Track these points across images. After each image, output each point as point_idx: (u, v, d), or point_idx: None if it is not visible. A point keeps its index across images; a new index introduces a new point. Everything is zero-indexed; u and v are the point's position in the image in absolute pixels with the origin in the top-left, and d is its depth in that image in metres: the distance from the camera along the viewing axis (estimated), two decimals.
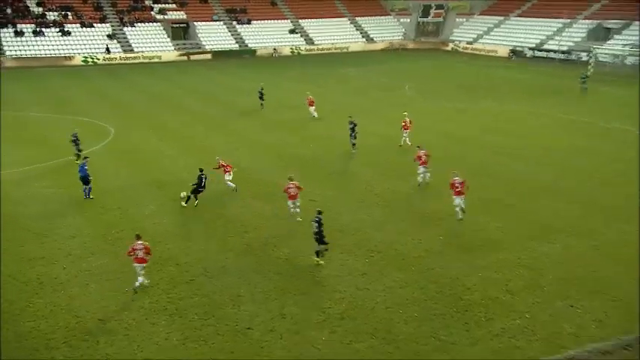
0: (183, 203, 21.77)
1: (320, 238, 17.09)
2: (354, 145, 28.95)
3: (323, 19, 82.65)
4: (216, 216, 20.97)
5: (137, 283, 15.74)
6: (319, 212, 17.23)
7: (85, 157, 23.45)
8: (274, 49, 74.30)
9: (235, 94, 46.21)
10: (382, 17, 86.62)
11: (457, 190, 19.98)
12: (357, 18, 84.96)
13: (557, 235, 19.19)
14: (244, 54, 73.03)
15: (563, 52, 65.04)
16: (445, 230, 19.66)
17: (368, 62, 67.75)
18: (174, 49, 71.26)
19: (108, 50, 66.19)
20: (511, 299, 15.45)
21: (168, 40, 71.95)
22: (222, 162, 23.57)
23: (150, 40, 70.54)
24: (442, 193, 23.02)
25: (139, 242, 15.73)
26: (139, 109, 40.12)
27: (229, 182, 23.30)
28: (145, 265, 15.78)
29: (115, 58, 66.52)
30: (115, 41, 68.79)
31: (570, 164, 26.87)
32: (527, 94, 45.36)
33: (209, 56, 71.30)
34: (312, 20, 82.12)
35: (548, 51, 67.33)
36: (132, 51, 68.51)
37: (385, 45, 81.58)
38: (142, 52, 68.53)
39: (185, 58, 69.62)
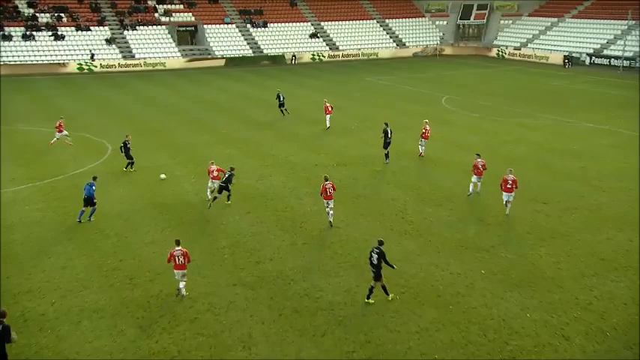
0: (210, 202, 24.38)
1: (378, 273, 17.02)
2: (386, 155, 30.41)
3: (348, 22, 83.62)
4: (227, 244, 21.14)
5: (182, 290, 17.62)
6: (380, 242, 17.24)
7: (94, 177, 24.13)
8: (293, 55, 75.23)
9: (252, 105, 46.77)
10: (416, 19, 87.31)
11: (507, 187, 22.86)
12: (387, 20, 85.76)
13: (622, 272, 18.85)
14: (261, 60, 74.09)
15: (627, 59, 64.52)
16: (489, 263, 19.49)
17: (400, 70, 68.14)
18: (181, 55, 72.62)
19: (92, 57, 67.37)
20: (568, 346, 15.18)
21: (174, 45, 73.42)
22: (215, 167, 25.24)
23: (153, 45, 72.08)
24: (486, 221, 22.90)
25: (178, 248, 17.65)
26: (141, 123, 40.83)
27: (209, 190, 24.97)
28: (184, 271, 17.61)
29: (114, 65, 68.05)
30: (114, 46, 70.43)
31: None
32: (588, 107, 45.07)
33: (221, 63, 72.50)
34: (336, 23, 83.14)
35: (609, 57, 66.94)
36: (132, 57, 70.04)
37: (419, 50, 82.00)
38: (144, 58, 70.00)
39: (192, 64, 70.81)
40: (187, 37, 77.07)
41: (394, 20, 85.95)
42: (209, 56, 73.59)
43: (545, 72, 65.16)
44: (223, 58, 73.24)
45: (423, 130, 31.45)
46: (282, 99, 42.39)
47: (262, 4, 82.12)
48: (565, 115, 41.92)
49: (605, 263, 19.40)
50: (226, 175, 24.56)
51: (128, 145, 29.30)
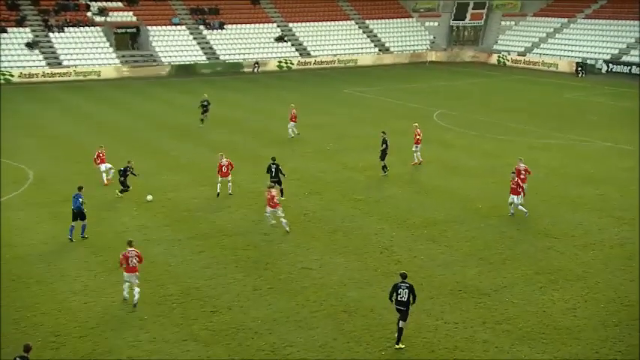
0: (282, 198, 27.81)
1: (407, 311, 17.62)
2: (384, 167, 33.00)
3: (322, 23, 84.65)
4: (175, 291, 20.95)
5: (135, 297, 19.87)
6: (404, 276, 17.90)
7: (80, 187, 25.42)
8: (256, 62, 75.73)
9: (206, 123, 46.81)
10: (402, 20, 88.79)
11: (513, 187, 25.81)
12: (367, 21, 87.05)
13: None
14: (215, 68, 74.43)
15: None
16: (492, 311, 19.64)
17: (383, 80, 69.03)
18: (120, 62, 72.54)
19: None
20: None
21: (111, 50, 73.36)
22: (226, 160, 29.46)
23: (85, 51, 71.90)
24: (488, 259, 23.13)
25: (131, 249, 19.97)
26: (72, 144, 40.52)
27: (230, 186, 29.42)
28: (137, 274, 20.05)
29: (37, 75, 67.68)
30: (37, 51, 70.11)
31: None
32: (606, 124, 46.14)
33: (167, 71, 72.62)
34: (307, 24, 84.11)
35: (629, 64, 68.69)
36: (60, 64, 69.76)
37: (407, 57, 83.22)
38: (74, 66, 69.80)
39: (133, 73, 70.74)
40: (127, 40, 77.03)
41: (376, 21, 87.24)
42: (154, 63, 73.64)
43: (554, 82, 66.62)
44: (171, 65, 73.38)
45: (415, 135, 34.24)
46: (206, 105, 45.70)
47: (218, 2, 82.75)
48: (580, 133, 42.82)
49: (630, 310, 19.66)
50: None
51: (129, 172, 29.97)
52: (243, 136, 42.49)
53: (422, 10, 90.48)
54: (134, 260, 19.91)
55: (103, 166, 32.61)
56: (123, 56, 73.72)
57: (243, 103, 56.05)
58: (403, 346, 17.73)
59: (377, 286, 21.35)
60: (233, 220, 27.36)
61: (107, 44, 73.66)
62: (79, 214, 25.07)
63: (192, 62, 74.70)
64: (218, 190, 30.13)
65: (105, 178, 32.33)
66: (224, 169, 30.01)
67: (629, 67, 68.64)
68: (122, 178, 30.04)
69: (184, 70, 73.31)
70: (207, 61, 75.67)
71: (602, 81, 66.53)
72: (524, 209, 26.73)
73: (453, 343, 18.03)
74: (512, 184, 26.61)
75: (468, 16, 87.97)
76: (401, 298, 17.67)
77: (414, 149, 34.93)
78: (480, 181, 32.62)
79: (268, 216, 26.29)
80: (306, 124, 43.32)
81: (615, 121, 47.00)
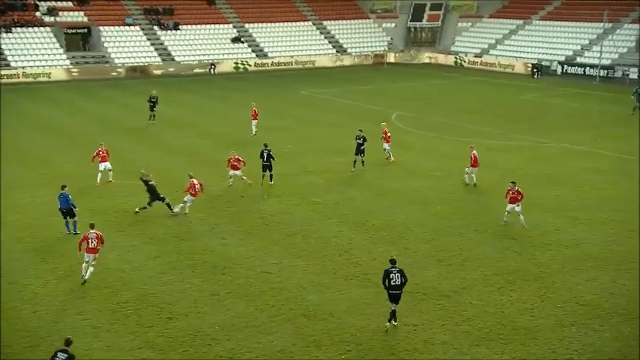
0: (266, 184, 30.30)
1: (400, 295, 18.70)
2: (362, 162, 34.65)
3: (279, 24, 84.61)
4: (130, 298, 20.72)
5: (86, 276, 21.43)
6: (394, 262, 18.97)
7: (64, 186, 26.02)
8: (212, 64, 75.35)
9: (161, 125, 46.36)
10: (359, 21, 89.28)
11: (512, 196, 26.00)
12: (325, 22, 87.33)
13: (606, 319, 19.55)
14: (168, 69, 73.83)
15: (604, 68, 67.88)
16: (451, 313, 19.85)
17: (341, 82, 69.28)
18: (70, 63, 71.47)
19: None
20: None
21: (61, 51, 72.23)
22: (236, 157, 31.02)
23: (34, 52, 70.64)
24: (447, 261, 23.39)
25: (92, 231, 21.63)
26: (19, 150, 39.75)
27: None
28: (96, 255, 21.51)
29: None
30: None
31: (625, 223, 27.66)
32: (563, 125, 47.02)
33: (119, 73, 71.84)
34: (264, 25, 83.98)
35: (584, 66, 70.22)
36: (7, 66, 68.37)
37: (364, 58, 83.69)
38: (23, 67, 68.51)
39: (85, 75, 69.74)
40: (78, 41, 75.90)
41: (333, 22, 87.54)
42: (106, 65, 72.75)
43: (512, 83, 67.71)
44: (124, 66, 72.57)
45: (383, 135, 35.82)
46: (154, 101, 46.43)
47: (173, 3, 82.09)
48: (537, 134, 43.56)
49: (586, 309, 20.10)
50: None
51: (150, 183, 28.16)
52: (198, 139, 42.22)
53: (379, 11, 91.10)
54: (94, 242, 21.43)
55: (102, 165, 32.05)
56: (74, 57, 72.64)
57: (199, 105, 55.68)
58: (389, 325, 18.78)
59: (336, 289, 21.43)
60: (189, 225, 27.16)
61: (57, 45, 72.49)
62: (68, 213, 25.70)
63: (146, 63, 73.96)
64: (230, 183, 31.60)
65: (98, 178, 31.94)
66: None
67: (583, 69, 70.11)
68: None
69: (138, 72, 72.55)
70: (161, 63, 74.99)
71: (557, 82, 67.83)
72: (523, 219, 26.28)
73: (412, 345, 18.20)
74: (512, 193, 26.33)
75: (425, 17, 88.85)
76: (394, 282, 18.62)
77: (386, 147, 36.14)
78: (438, 182, 32.98)
79: (187, 205, 27.91)
80: (263, 126, 43.24)
81: (571, 123, 47.96)
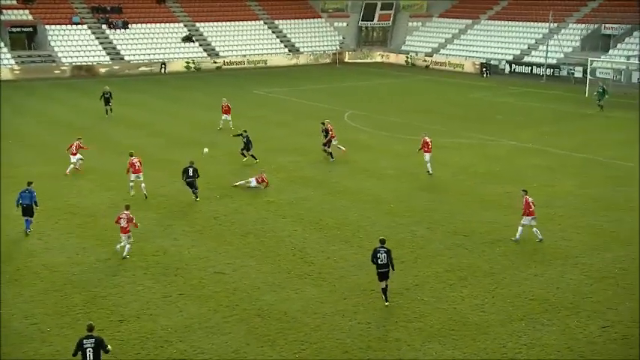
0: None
1: (387, 272, 20.01)
2: (330, 154, 36.25)
3: (230, 23, 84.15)
4: (80, 301, 20.42)
5: (125, 252, 23.22)
6: (383, 242, 20.27)
7: (30, 182, 26.02)
8: (162, 63, 74.56)
9: (112, 125, 45.71)
10: (311, 20, 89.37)
11: (531, 210, 24.79)
12: (276, 21, 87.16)
13: (553, 313, 19.99)
14: (114, 67, 72.81)
15: (550, 67, 69.30)
16: (403, 309, 20.05)
17: (294, 81, 69.27)
18: (15, 62, 69.95)
19: None
20: None
21: (6, 50, 70.63)
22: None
23: None
24: (399, 259, 23.58)
25: (126, 212, 23.29)
26: None
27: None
28: (128, 234, 23.35)
29: None
30: None
31: (572, 218, 28.30)
32: (512, 123, 47.72)
33: (66, 72, 70.65)
34: (215, 24, 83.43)
35: (531, 65, 71.54)
36: None
37: (316, 57, 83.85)
38: None
39: (29, 75, 68.34)
40: (24, 40, 74.27)
41: (285, 21, 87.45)
42: (53, 64, 71.39)
43: (461, 82, 68.59)
44: (71, 65, 71.34)
45: (330, 131, 36.45)
46: (108, 96, 47.59)
47: (121, 1, 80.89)
48: (487, 132, 44.22)
49: (534, 304, 20.50)
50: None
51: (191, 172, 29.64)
52: (150, 139, 41.72)
53: (330, 11, 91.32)
54: (124, 222, 23.09)
55: (74, 158, 33.40)
56: (19, 56, 71.05)
57: (149, 104, 55.04)
58: (388, 304, 20.10)
59: (290, 288, 21.45)
60: (141, 226, 26.74)
61: (1, 44, 70.81)
62: (28, 210, 25.36)
63: (94, 62, 72.79)
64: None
65: (69, 169, 33.26)
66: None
67: (530, 68, 71.41)
68: (191, 179, 29.51)
69: (86, 71, 71.40)
70: (110, 62, 73.89)
71: (505, 81, 68.94)
72: (538, 232, 25.25)
73: (366, 342, 18.32)
74: (528, 204, 24.95)
75: (376, 16, 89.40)
76: (381, 261, 19.96)
77: (334, 143, 36.80)
78: (391, 181, 33.24)
79: (132, 186, 29.75)
80: (215, 126, 42.97)
81: (519, 121, 48.77)
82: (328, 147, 36.46)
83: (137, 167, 29.86)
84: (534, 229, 25.15)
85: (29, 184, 26.00)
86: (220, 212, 28.45)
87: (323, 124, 37.05)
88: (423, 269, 22.92)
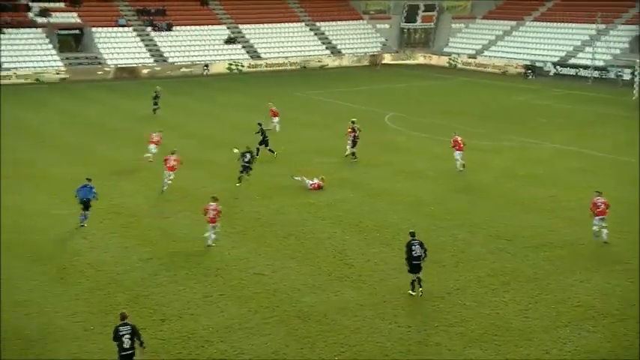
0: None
1: (420, 265, 20.57)
2: (353, 154, 36.57)
3: (272, 25, 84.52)
4: (124, 300, 20.64)
5: (209, 240, 24.41)
6: (413, 234, 20.95)
7: (89, 179, 26.97)
8: (205, 65, 75.24)
9: (153, 127, 46.30)
10: (353, 22, 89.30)
11: (599, 210, 24.60)
12: (318, 23, 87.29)
13: (599, 320, 19.61)
14: (163, 71, 73.69)
15: (597, 69, 68.04)
16: (444, 314, 19.88)
17: (335, 82, 69.25)
18: (63, 64, 71.25)
19: None
20: None
21: (54, 52, 72.00)
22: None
23: (26, 53, 70.37)
24: (441, 262, 23.38)
25: (213, 204, 24.29)
26: (13, 153, 39.63)
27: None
28: (214, 224, 24.33)
29: None
30: None
31: (618, 224, 27.76)
32: (555, 125, 47.11)
33: (112, 74, 71.69)
34: (258, 26, 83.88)
35: (577, 67, 70.37)
36: None
37: (358, 59, 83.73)
38: (15, 69, 68.27)
39: (78, 77, 69.55)
40: (71, 42, 75.73)
41: (327, 23, 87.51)
42: (99, 66, 72.55)
43: (504, 84, 67.83)
44: (117, 67, 72.38)
45: (349, 130, 36.96)
46: (157, 96, 50.05)
47: (165, 3, 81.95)
48: (530, 135, 43.64)
49: (580, 310, 20.13)
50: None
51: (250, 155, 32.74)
52: (189, 140, 42.01)
53: (373, 12, 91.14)
54: (211, 213, 24.16)
55: (152, 147, 35.43)
56: (67, 58, 72.42)
57: (191, 106, 55.56)
58: (415, 294, 20.68)
59: (330, 290, 21.42)
60: (183, 226, 27.10)
61: (50, 46, 72.26)
62: (86, 204, 26.46)
63: (138, 64, 73.78)
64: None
65: (146, 156, 35.20)
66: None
67: (576, 70, 70.27)
68: (247, 164, 31.80)
69: (128, 73, 72.39)
70: (154, 64, 74.81)
71: (550, 83, 67.96)
72: (606, 234, 24.95)
73: (406, 346, 18.19)
74: (598, 204, 24.89)
75: (419, 18, 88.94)
76: (415, 253, 20.50)
77: (349, 142, 37.17)
78: (431, 183, 33.01)
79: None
80: (255, 128, 43.15)
81: (563, 123, 48.04)
82: (353, 147, 36.70)
83: (170, 165, 30.63)
84: (603, 230, 24.92)
85: (89, 180, 26.93)
86: (262, 213, 28.58)
87: (353, 122, 37.23)
88: (465, 273, 22.68)
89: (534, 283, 21.90)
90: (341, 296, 21.05)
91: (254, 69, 77.89)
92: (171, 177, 30.94)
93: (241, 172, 31.80)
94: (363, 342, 18.36)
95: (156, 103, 50.02)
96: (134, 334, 16.00)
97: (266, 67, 78.69)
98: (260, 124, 37.27)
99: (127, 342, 15.83)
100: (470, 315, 19.82)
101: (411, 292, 20.85)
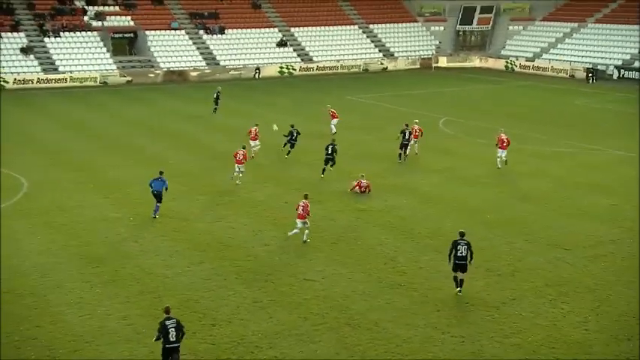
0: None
1: (466, 266, 20.98)
2: (400, 155, 37.36)
3: (324, 28, 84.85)
4: (174, 303, 20.72)
5: (305, 237, 25.49)
6: (462, 234, 21.30)
7: (161, 172, 28.84)
8: (257, 68, 75.89)
9: (208, 130, 46.92)
10: (407, 24, 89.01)
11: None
12: (371, 26, 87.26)
13: None
14: (215, 75, 74.55)
15: None
16: (500, 324, 19.63)
17: (387, 86, 69.11)
18: (117, 67, 72.74)
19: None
20: None
21: (108, 55, 73.58)
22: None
23: (82, 56, 72.08)
24: (496, 271, 23.09)
25: (304, 200, 25.60)
26: (64, 154, 40.60)
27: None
28: (304, 220, 25.36)
29: (31, 81, 67.85)
30: (32, 57, 70.33)
31: None
32: (618, 131, 46.22)
33: (164, 77, 72.79)
34: (310, 29, 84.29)
35: None
36: (55, 70, 69.95)
37: (412, 62, 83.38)
38: (70, 72, 69.97)
39: (131, 79, 70.91)
40: (125, 45, 77.23)
41: (380, 26, 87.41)
42: (152, 69, 73.76)
43: (564, 88, 66.68)
44: (170, 71, 73.49)
45: (413, 130, 37.91)
46: (218, 97, 52.67)
47: (218, 6, 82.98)
48: (591, 141, 42.82)
49: None
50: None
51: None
52: (239, 144, 42.17)
53: (427, 15, 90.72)
54: (300, 209, 25.30)
55: (253, 143, 37.61)
56: (120, 62, 73.84)
57: (242, 110, 56.01)
58: (459, 292, 21.11)
59: (381, 298, 21.36)
60: (233, 230, 27.37)
61: (104, 49, 73.81)
62: (158, 196, 28.22)
63: (191, 68, 74.79)
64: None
65: (252, 153, 37.14)
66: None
67: None
68: (330, 156, 34.24)
69: (178, 75, 73.41)
70: (206, 67, 75.75)
71: (613, 87, 66.57)
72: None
73: (459, 357, 18.03)
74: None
75: (475, 20, 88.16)
76: (460, 253, 20.85)
77: (412, 143, 38.02)
78: (487, 190, 32.65)
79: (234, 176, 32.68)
80: (308, 132, 43.34)
81: (627, 129, 46.95)
82: (401, 149, 37.40)
83: (239, 159, 32.56)
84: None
85: (161, 173, 28.68)
86: (311, 219, 28.58)
87: (407, 125, 37.79)
88: (521, 283, 22.36)
89: (594, 294, 21.47)
90: (392, 304, 20.97)
91: (305, 72, 78.20)
92: (242, 170, 32.93)
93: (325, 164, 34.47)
94: (415, 352, 18.24)
95: (217, 103, 52.50)
96: (179, 328, 16.84)
97: (317, 70, 78.94)
98: (292, 126, 38.65)
99: (172, 334, 16.66)
100: (526, 326, 19.53)
101: (457, 290, 21.32)
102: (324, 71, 78.89)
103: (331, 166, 34.28)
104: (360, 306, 20.82)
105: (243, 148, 33.60)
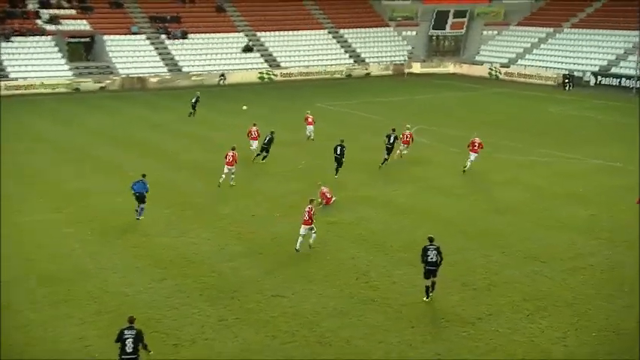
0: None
1: (436, 270, 21.68)
2: (386, 159, 37.96)
3: (293, 32, 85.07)
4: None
5: (311, 242, 26.11)
6: (431, 239, 21.89)
7: (144, 175, 29.84)
8: (222, 74, 75.70)
9: (170, 138, 46.61)
10: (378, 29, 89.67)
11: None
12: (341, 30, 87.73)
13: None
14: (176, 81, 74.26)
15: None
16: (476, 341, 19.71)
17: (358, 93, 69.36)
18: (72, 74, 72.11)
19: None
20: None
21: (63, 60, 72.93)
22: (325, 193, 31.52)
23: (34, 61, 71.36)
24: (472, 285, 23.20)
25: (309, 205, 25.93)
26: (15, 165, 40.05)
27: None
28: (310, 227, 25.77)
29: None
30: None
31: None
32: (596, 140, 46.80)
33: (123, 84, 72.33)
34: (277, 34, 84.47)
35: (619, 77, 69.87)
36: (6, 77, 69.12)
37: (383, 68, 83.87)
38: (22, 78, 69.18)
39: (87, 86, 70.31)
40: (81, 50, 76.68)
41: (350, 30, 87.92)
42: (110, 75, 73.30)
43: (540, 95, 67.50)
44: (128, 77, 73.05)
45: (403, 136, 39.41)
46: (195, 101, 54.52)
47: (180, 9, 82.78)
48: (568, 149, 43.31)
49: (623, 339, 19.88)
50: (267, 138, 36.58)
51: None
52: (205, 154, 42.14)
53: (399, 19, 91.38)
54: (305, 216, 25.73)
55: (254, 143, 39.37)
56: (76, 67, 73.29)
57: (207, 118, 55.75)
58: (428, 299, 21.70)
59: (353, 314, 21.32)
60: (196, 246, 27.16)
61: (59, 55, 73.22)
62: (140, 198, 29.21)
63: (151, 74, 74.42)
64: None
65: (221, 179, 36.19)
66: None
67: (618, 80, 69.75)
68: (339, 157, 35.50)
69: (137, 82, 72.98)
70: (167, 73, 75.46)
71: (590, 94, 67.56)
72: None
73: None
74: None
75: (449, 25, 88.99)
76: (431, 259, 21.52)
77: (401, 148, 39.51)
78: (462, 201, 32.85)
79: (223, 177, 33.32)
80: (277, 140, 43.23)
81: (605, 137, 47.66)
82: (389, 154, 38.32)
83: (229, 160, 33.77)
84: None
85: (143, 175, 29.71)
86: (279, 233, 28.55)
87: (393, 130, 38.68)
88: (498, 297, 22.49)
89: (573, 309, 21.65)
90: (365, 320, 20.94)
91: (279, 78, 78.24)
92: (233, 170, 34.02)
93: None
94: None
95: (194, 108, 54.06)
96: (138, 339, 16.83)
97: (285, 76, 79.05)
98: (272, 132, 39.12)
99: (129, 346, 16.70)
100: (503, 342, 19.62)
101: (425, 298, 21.87)
102: (291, 77, 79.08)
103: (338, 168, 35.78)
104: (331, 323, 20.76)
105: (233, 150, 34.17)
